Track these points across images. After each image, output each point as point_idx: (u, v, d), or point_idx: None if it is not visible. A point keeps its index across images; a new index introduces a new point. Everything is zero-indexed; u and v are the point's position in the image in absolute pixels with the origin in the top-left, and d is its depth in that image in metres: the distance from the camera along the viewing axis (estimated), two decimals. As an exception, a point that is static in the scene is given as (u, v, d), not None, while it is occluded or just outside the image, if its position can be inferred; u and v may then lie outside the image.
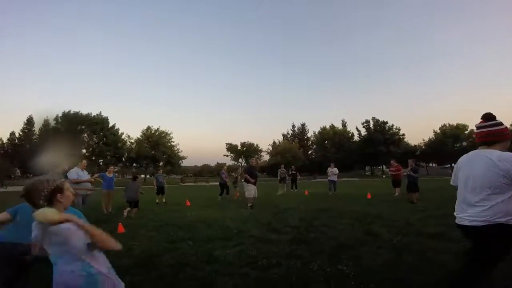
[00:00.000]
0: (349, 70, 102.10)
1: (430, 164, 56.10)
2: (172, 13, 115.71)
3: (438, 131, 49.38)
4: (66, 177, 5.21)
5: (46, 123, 44.53)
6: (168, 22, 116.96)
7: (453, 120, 55.26)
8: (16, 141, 45.61)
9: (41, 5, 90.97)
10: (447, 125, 48.82)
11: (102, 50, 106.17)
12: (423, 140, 52.55)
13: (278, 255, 3.62)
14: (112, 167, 9.14)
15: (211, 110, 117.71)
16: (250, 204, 8.30)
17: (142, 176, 53.23)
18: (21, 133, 45.95)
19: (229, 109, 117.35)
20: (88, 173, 7.17)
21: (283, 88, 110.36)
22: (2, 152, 43.78)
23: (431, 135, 51.08)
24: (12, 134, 46.35)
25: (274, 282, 2.78)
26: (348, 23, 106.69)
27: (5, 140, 46.31)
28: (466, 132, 47.68)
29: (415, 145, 53.44)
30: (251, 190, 8.42)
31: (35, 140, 43.48)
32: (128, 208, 7.33)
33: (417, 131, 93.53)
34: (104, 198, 8.16)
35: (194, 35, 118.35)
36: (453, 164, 50.01)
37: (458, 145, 47.48)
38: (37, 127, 45.50)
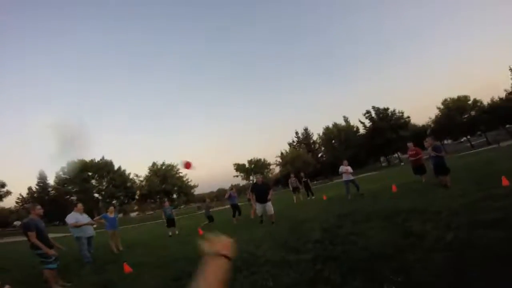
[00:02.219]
0: (336, 64, 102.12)
1: (445, 141, 54.00)
2: (168, 36, 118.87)
3: (442, 106, 48.05)
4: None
5: (58, 175, 46.14)
6: (164, 45, 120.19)
7: (453, 93, 53.36)
8: (35, 194, 47.68)
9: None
10: (449, 99, 47.61)
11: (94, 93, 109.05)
12: (430, 118, 51.06)
13: (299, 282, 2.85)
14: (113, 208, 9.14)
15: (212, 134, 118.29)
16: (261, 219, 8.26)
17: (157, 210, 53.03)
18: (37, 187, 47.82)
19: (229, 129, 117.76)
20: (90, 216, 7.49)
21: (278, 98, 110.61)
22: (22, 206, 46.53)
23: (435, 112, 49.73)
24: (30, 188, 49.09)
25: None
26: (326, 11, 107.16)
27: (24, 195, 48.79)
28: (469, 102, 46.32)
29: (423, 125, 51.84)
30: (258, 209, 8.13)
31: (51, 192, 45.69)
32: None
33: (420, 111, 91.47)
34: (111, 238, 8.09)
35: (190, 56, 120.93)
36: (469, 137, 48.45)
37: (466, 116, 45.97)
38: (51, 180, 47.55)
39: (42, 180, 47.73)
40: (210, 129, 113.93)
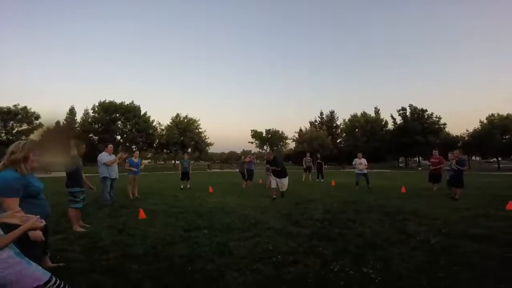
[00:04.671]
0: (384, 53, 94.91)
1: (473, 158, 51.22)
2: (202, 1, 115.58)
3: (485, 121, 44.50)
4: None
5: (86, 112, 48.28)
6: (196, 7, 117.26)
7: (503, 110, 49.18)
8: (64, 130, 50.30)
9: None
10: (496, 115, 43.82)
11: (133, 42, 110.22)
12: (467, 130, 47.85)
13: (295, 251, 3.31)
14: (137, 152, 9.24)
15: (237, 97, 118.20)
16: (274, 197, 7.80)
17: (172, 161, 55.63)
18: (65, 122, 50.29)
19: (255, 95, 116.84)
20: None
21: (311, 74, 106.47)
22: None
23: (477, 125, 46.26)
24: (58, 123, 51.29)
25: (287, 282, 2.49)
26: (377, 8, 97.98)
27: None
28: None
29: (457, 136, 48.92)
30: (273, 182, 8.01)
31: (77, 128, 47.47)
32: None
33: (461, 121, 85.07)
34: (130, 183, 8.34)
35: (222, 22, 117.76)
36: (500, 158, 45.52)
37: (507, 137, 42.60)
38: (78, 116, 49.47)
39: (71, 116, 49.61)
40: (238, 92, 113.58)
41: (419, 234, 3.90)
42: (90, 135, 45.15)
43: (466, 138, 47.21)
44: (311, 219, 5.00)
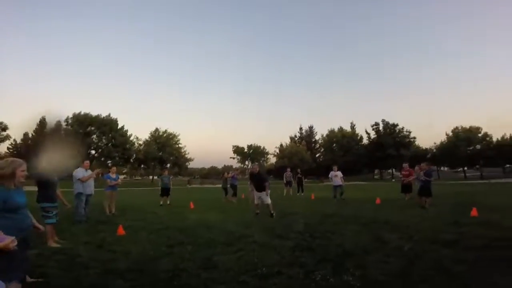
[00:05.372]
0: (358, 72, 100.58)
1: (442, 168, 54.71)
2: (181, 14, 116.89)
3: (451, 134, 48.16)
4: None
5: (58, 123, 45.62)
6: (177, 23, 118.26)
7: (467, 122, 53.70)
8: (29, 141, 46.59)
9: (51, 5, 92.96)
10: (460, 128, 47.58)
11: (113, 52, 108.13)
12: (435, 143, 51.37)
13: (279, 263, 3.41)
14: (115, 168, 9.27)
15: (218, 112, 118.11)
16: (256, 211, 7.56)
17: (150, 177, 53.77)
18: (34, 134, 47.00)
19: (236, 111, 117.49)
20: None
21: (291, 90, 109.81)
22: (15, 152, 44.93)
23: (443, 138, 49.86)
24: (26, 134, 47.49)
25: (273, 292, 2.59)
26: (356, 24, 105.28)
27: (18, 141, 47.57)
28: (479, 135, 46.36)
29: (426, 148, 52.25)
30: (255, 198, 7.70)
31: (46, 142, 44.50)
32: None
33: (428, 134, 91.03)
34: (108, 199, 8.14)
35: (203, 37, 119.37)
36: (465, 168, 49.14)
37: (471, 148, 46.19)
38: (49, 128, 46.61)
39: (41, 127, 46.66)
40: (218, 107, 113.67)
41: (393, 241, 4.18)
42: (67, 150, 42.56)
43: (434, 150, 50.52)
44: (293, 232, 5.14)
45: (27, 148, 44.68)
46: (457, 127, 47.93)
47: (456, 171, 52.42)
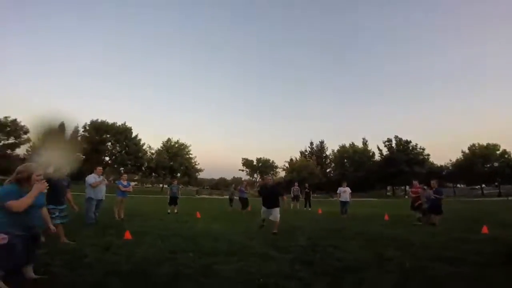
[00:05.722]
0: (371, 87, 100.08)
1: (458, 185, 52.68)
2: (195, 26, 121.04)
3: (467, 151, 46.63)
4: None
5: (76, 130, 47.67)
6: (190, 35, 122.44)
7: (484, 139, 51.94)
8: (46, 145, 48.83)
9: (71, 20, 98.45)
10: (477, 145, 46.07)
11: (129, 63, 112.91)
12: (450, 160, 49.76)
13: (277, 275, 3.43)
14: (126, 175, 9.47)
15: (230, 125, 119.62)
16: (262, 224, 7.04)
17: (160, 185, 54.48)
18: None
19: (248, 125, 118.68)
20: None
21: (302, 104, 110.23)
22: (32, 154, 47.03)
23: (459, 155, 48.29)
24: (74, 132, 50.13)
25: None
26: (369, 36, 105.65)
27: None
28: (497, 152, 44.69)
29: (441, 166, 50.62)
30: (262, 212, 7.01)
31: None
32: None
33: (443, 151, 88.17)
34: (117, 204, 8.41)
35: (217, 50, 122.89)
36: (483, 185, 47.15)
37: (488, 165, 44.45)
38: (67, 134, 48.76)
39: (60, 132, 49.38)
40: (230, 119, 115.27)
41: (395, 258, 4.11)
42: (78, 154, 44.15)
43: (450, 168, 48.87)
44: (295, 246, 5.12)
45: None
46: (474, 144, 46.48)
47: (473, 188, 50.37)
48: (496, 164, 44.26)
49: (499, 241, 5.07)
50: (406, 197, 39.90)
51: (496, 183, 45.95)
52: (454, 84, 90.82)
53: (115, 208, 8.34)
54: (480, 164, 43.75)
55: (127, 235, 5.36)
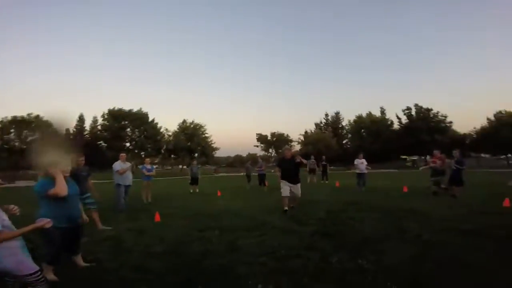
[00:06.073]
0: (388, 51, 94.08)
1: (482, 155, 50.47)
2: (209, 4, 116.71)
3: (493, 118, 43.92)
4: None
5: (95, 119, 49.56)
6: (201, 11, 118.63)
7: (510, 106, 48.49)
8: (71, 137, 51.23)
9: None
10: (504, 111, 43.16)
11: (139, 48, 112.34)
12: (474, 128, 47.27)
13: (298, 247, 3.67)
14: (149, 159, 9.70)
15: (243, 100, 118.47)
16: (285, 208, 6.23)
17: (180, 166, 56.45)
18: (74, 130, 51.45)
19: (261, 99, 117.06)
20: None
21: (315, 75, 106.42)
22: None
23: (484, 122, 45.66)
24: (67, 130, 52.48)
25: (290, 272, 2.86)
26: (384, 7, 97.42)
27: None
28: None
29: (464, 134, 48.34)
30: (284, 189, 6.32)
31: (86, 136, 48.51)
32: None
33: (467, 118, 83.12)
34: (144, 188, 8.83)
35: (224, 26, 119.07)
36: (509, 155, 44.67)
37: (516, 133, 41.84)
38: (87, 123, 50.86)
39: (80, 123, 51.08)
40: (242, 95, 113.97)
41: (413, 230, 4.23)
42: (100, 143, 46.21)
43: (474, 136, 46.65)
44: (314, 219, 5.36)
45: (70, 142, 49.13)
46: (500, 111, 43.54)
47: (498, 158, 48.03)
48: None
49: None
50: (421, 168, 38.61)
51: None
52: (476, 44, 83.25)
53: (143, 192, 8.76)
54: (507, 132, 41.20)
55: (157, 218, 5.75)
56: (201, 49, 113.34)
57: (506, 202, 5.94)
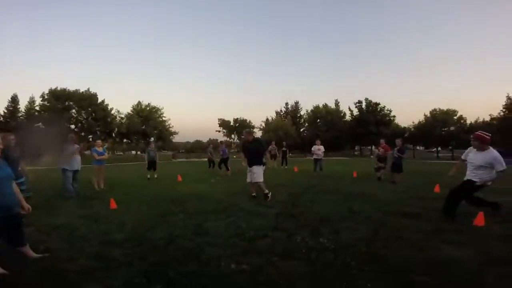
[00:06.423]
0: (346, 50, 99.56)
1: (417, 147, 57.56)
2: None
3: (429, 114, 50.15)
4: None
5: (31, 100, 43.25)
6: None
7: (444, 105, 56.23)
8: (1, 119, 44.07)
9: None
10: (438, 110, 49.54)
11: (88, 24, 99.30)
12: (413, 122, 53.47)
13: (265, 228, 3.83)
14: (100, 141, 8.66)
15: (204, 85, 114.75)
16: (253, 194, 6.22)
17: (133, 152, 52.97)
18: (5, 111, 44.37)
19: (222, 84, 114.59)
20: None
21: (278, 64, 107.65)
22: None
23: (421, 118, 51.91)
24: (-5, 110, 44.61)
25: (259, 252, 2.99)
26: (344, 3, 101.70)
27: None
28: (455, 117, 48.62)
29: (404, 127, 54.36)
30: (248, 175, 6.22)
31: (20, 118, 42.28)
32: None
33: (408, 113, 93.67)
34: (96, 174, 8.06)
35: (184, 5, 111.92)
36: (439, 148, 51.97)
37: (445, 129, 48.56)
38: (22, 104, 44.12)
39: (13, 104, 44.20)
40: (204, 79, 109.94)
41: (364, 211, 4.72)
42: (38, 124, 40.59)
43: (412, 129, 52.75)
44: (277, 201, 5.62)
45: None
46: (435, 109, 49.85)
47: (430, 151, 55.27)
48: (452, 129, 48.27)
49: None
50: (372, 156, 42.80)
51: (450, 147, 50.64)
52: (424, 53, 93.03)
53: (94, 177, 8.01)
54: (439, 128, 47.45)
55: (113, 204, 5.35)
56: (163, 33, 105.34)
57: (436, 189, 6.93)
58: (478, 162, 4.12)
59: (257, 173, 5.97)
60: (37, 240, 3.38)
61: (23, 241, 2.85)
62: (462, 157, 4.54)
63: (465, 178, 4.29)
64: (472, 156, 4.26)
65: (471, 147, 4.35)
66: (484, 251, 2.96)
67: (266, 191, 5.89)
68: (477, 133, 4.30)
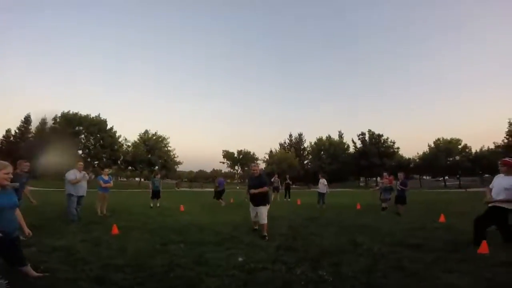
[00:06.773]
0: (348, 82, 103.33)
1: (424, 177, 56.75)
2: (174, 19, 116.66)
3: (432, 145, 50.22)
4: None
5: (43, 121, 44.67)
6: (169, 26, 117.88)
7: (447, 134, 56.79)
8: (11, 138, 45.24)
9: (44, 8, 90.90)
10: (441, 139, 49.70)
11: (104, 53, 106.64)
12: (418, 153, 53.36)
13: (265, 260, 3.82)
14: (107, 170, 9.22)
15: (210, 117, 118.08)
16: (255, 227, 6.01)
17: (137, 179, 53.06)
18: (17, 131, 45.65)
19: (228, 117, 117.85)
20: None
21: (282, 98, 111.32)
22: None
23: (425, 148, 51.92)
24: (8, 131, 46.13)
25: (259, 284, 3.00)
26: (348, 31, 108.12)
27: (0, 137, 46.09)
28: (459, 146, 48.57)
29: (409, 158, 54.16)
30: (251, 211, 5.90)
31: (30, 138, 43.34)
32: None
33: (412, 144, 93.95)
34: (99, 200, 8.23)
35: (194, 42, 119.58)
36: (446, 177, 51.32)
37: (451, 159, 48.25)
38: (34, 125, 45.56)
39: (25, 124, 45.76)
40: (210, 111, 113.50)
41: (365, 243, 4.68)
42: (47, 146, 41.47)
43: (417, 160, 52.45)
44: (278, 234, 5.58)
45: (9, 145, 43.35)
46: (438, 139, 50.07)
47: (437, 180, 54.48)
48: (457, 158, 48.10)
49: (453, 230, 5.84)
50: (371, 189, 42.12)
51: (457, 176, 50.02)
52: (427, 84, 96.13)
53: (98, 203, 8.17)
54: (444, 157, 47.31)
55: (115, 230, 5.42)
56: (170, 64, 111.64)
57: (441, 218, 6.87)
58: (506, 184, 4.32)
59: (263, 214, 5.58)
60: (38, 260, 3.45)
61: (23, 261, 2.91)
62: (490, 186, 4.69)
63: (491, 205, 4.41)
64: (501, 180, 4.46)
65: (499, 174, 4.57)
66: (486, 277, 2.94)
67: (266, 234, 5.40)
68: (505, 159, 4.57)
